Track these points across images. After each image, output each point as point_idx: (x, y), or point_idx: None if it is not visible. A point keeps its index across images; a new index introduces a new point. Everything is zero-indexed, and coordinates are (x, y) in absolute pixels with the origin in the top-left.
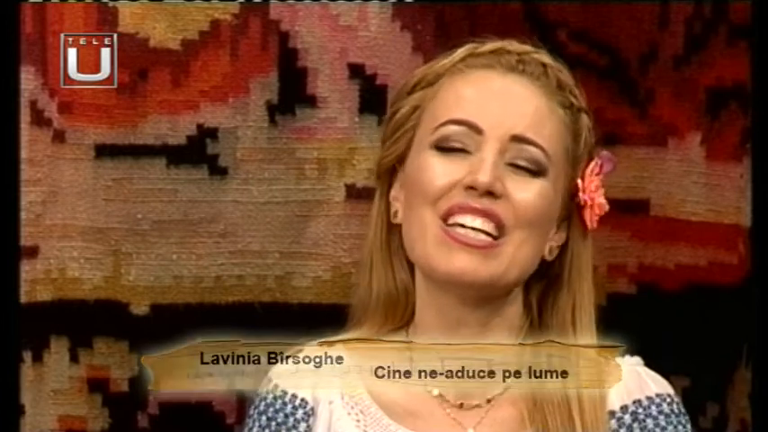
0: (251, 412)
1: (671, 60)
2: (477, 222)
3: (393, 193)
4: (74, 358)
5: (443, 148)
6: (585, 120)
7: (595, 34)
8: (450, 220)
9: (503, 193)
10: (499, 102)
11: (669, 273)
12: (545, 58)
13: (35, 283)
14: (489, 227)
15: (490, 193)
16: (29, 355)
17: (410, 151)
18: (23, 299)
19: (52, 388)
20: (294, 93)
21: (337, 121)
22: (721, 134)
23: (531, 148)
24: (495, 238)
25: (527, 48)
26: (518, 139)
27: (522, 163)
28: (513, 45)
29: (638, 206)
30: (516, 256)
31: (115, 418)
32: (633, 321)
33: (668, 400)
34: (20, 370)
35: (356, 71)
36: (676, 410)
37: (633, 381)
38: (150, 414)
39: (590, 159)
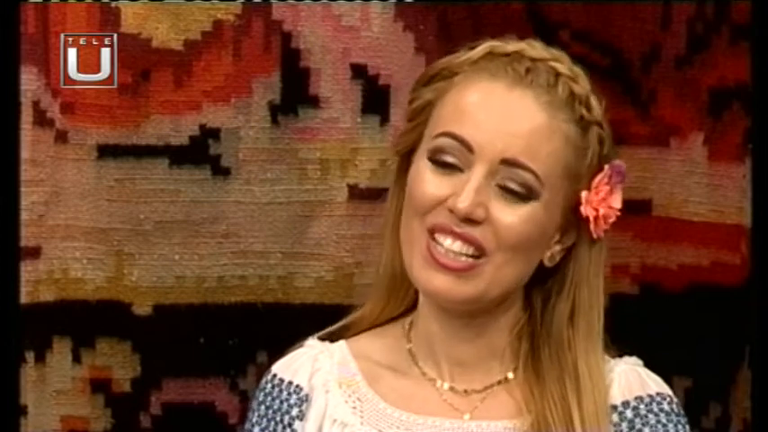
0: (252, 405)
1: (673, 61)
2: (456, 245)
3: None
4: (76, 359)
5: (436, 159)
6: (596, 132)
7: (598, 35)
8: (435, 237)
9: (484, 218)
10: (496, 120)
11: (672, 273)
12: (561, 66)
13: (38, 283)
14: (468, 250)
15: (471, 220)
16: (31, 356)
17: (420, 145)
18: (26, 299)
19: (55, 388)
20: (296, 93)
21: (340, 122)
22: (724, 134)
23: (522, 173)
24: (476, 257)
25: (544, 54)
26: (509, 162)
27: (512, 186)
28: (533, 49)
29: (640, 206)
30: (497, 276)
31: (118, 418)
32: (636, 322)
33: (668, 399)
34: (22, 370)
35: (358, 71)
36: (676, 410)
37: (634, 379)
38: (153, 414)
39: (600, 170)
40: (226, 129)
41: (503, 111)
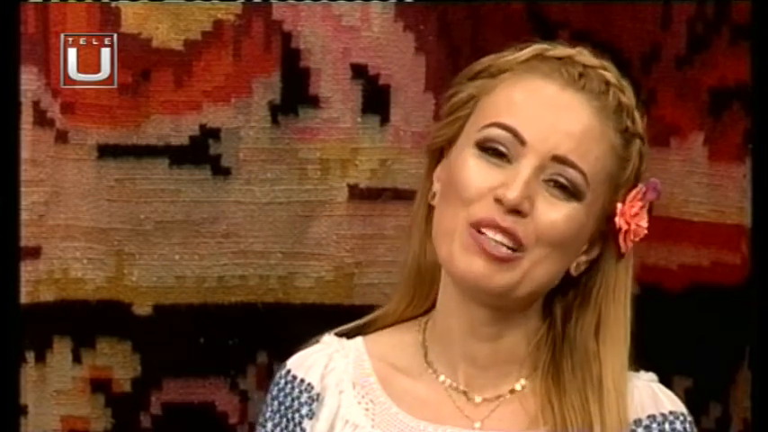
0: (266, 398)
1: (673, 61)
2: (498, 237)
3: (436, 172)
4: (77, 359)
5: (485, 148)
6: (638, 146)
7: (598, 35)
8: (481, 231)
9: (529, 212)
10: (550, 117)
11: (672, 273)
12: (610, 76)
13: (38, 283)
14: (509, 242)
15: (516, 211)
16: (32, 356)
17: (458, 138)
18: (26, 299)
19: (55, 388)
20: (297, 93)
21: (340, 122)
22: (724, 134)
23: (572, 171)
24: (514, 250)
25: (595, 62)
26: (560, 159)
27: (561, 182)
28: (583, 56)
29: None
30: (532, 271)
31: (118, 418)
32: (636, 322)
33: (681, 418)
34: (22, 370)
35: (359, 71)
36: (689, 429)
37: (648, 396)
38: (153, 414)
39: (635, 185)
40: (226, 129)
41: (556, 109)
